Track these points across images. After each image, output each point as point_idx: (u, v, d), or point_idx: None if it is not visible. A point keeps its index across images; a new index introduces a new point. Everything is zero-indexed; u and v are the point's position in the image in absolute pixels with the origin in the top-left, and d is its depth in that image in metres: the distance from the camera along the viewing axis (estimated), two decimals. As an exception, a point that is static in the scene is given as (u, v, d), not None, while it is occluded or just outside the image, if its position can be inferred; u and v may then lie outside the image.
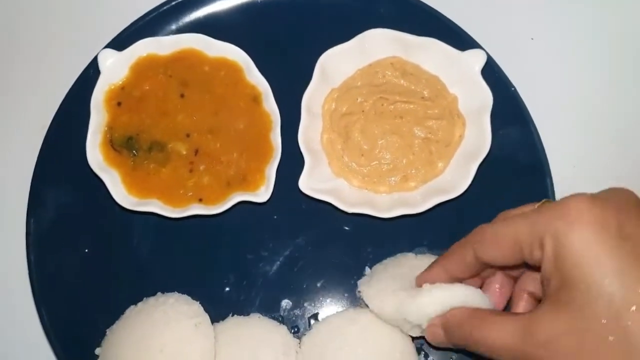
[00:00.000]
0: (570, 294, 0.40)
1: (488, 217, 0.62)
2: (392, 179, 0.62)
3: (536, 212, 0.44)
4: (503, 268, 0.52)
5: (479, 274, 0.52)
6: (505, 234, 0.46)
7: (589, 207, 0.41)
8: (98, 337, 0.60)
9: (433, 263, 0.53)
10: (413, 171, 0.61)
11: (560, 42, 0.72)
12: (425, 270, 0.54)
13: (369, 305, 0.55)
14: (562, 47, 0.72)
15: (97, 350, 0.59)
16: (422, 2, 0.67)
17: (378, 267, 0.60)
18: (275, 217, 0.64)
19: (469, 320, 0.48)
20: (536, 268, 0.45)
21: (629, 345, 0.38)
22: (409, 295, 0.51)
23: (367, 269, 0.62)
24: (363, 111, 0.62)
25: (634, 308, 0.38)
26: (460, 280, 0.52)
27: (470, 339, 0.47)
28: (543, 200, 0.49)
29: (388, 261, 0.60)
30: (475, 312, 0.48)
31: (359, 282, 0.59)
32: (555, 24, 0.73)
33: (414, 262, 0.58)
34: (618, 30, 0.72)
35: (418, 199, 0.60)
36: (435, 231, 0.63)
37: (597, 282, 0.39)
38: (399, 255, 0.61)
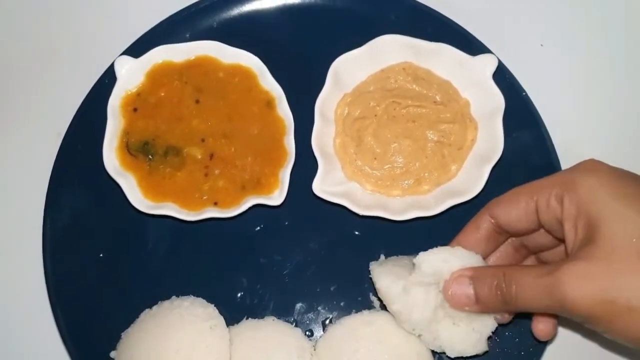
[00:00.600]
0: (595, 237, 0.42)
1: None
2: (405, 182, 0.62)
3: (552, 175, 0.47)
4: (516, 236, 0.53)
5: (490, 252, 0.53)
6: (523, 192, 0.48)
7: (601, 163, 0.45)
8: (113, 341, 0.60)
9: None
10: (426, 174, 0.62)
11: (569, 48, 0.73)
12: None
13: (376, 283, 0.56)
14: (571, 53, 0.73)
15: (113, 354, 0.59)
16: (433, 9, 0.68)
17: (393, 257, 0.61)
18: (288, 220, 0.64)
19: (505, 269, 0.47)
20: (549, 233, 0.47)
21: None
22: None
23: (382, 256, 0.62)
24: (375, 115, 0.63)
25: (636, 240, 0.42)
26: None
27: (506, 291, 0.46)
28: None
29: (404, 256, 0.61)
30: (509, 266, 0.49)
31: (371, 263, 0.59)
32: (564, 30, 0.74)
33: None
34: (625, 35, 0.73)
35: (431, 202, 0.60)
36: (448, 235, 0.63)
37: (617, 221, 0.42)
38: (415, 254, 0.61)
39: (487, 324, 0.54)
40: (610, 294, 0.42)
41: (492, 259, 0.56)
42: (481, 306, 0.49)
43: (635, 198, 0.43)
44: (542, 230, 0.51)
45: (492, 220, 0.50)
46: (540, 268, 0.45)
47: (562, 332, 0.62)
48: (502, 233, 0.52)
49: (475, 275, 0.50)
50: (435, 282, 0.52)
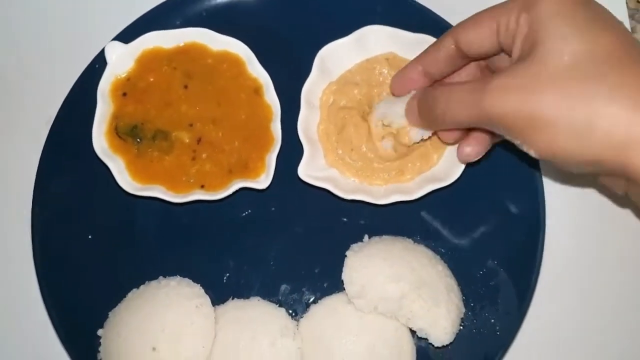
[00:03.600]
0: (532, 53, 0.44)
1: (483, 206, 0.65)
2: (387, 174, 0.64)
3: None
4: (477, 59, 0.55)
5: (452, 72, 0.56)
6: (485, 15, 0.49)
7: None
8: (101, 319, 0.61)
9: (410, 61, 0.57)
10: (409, 165, 0.64)
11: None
12: (402, 68, 0.58)
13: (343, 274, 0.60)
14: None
15: (100, 332, 0.61)
16: (416, 1, 0.69)
17: (375, 237, 0.63)
18: (274, 204, 0.66)
19: (441, 87, 0.52)
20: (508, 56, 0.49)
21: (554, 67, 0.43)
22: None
23: (366, 236, 0.64)
24: (359, 106, 0.65)
25: (567, 58, 0.43)
26: (434, 79, 0.56)
27: (438, 104, 0.50)
28: None
29: (386, 236, 0.63)
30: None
31: (351, 246, 0.62)
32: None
33: (409, 245, 0.61)
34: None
35: (413, 187, 0.62)
36: (430, 222, 0.65)
37: (557, 39, 0.43)
38: (399, 237, 0.63)
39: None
40: (530, 107, 0.43)
41: (458, 79, 0.58)
42: (421, 120, 0.55)
43: (584, 20, 0.44)
44: (503, 54, 0.52)
45: (453, 45, 0.52)
46: (473, 83, 0.48)
47: (537, 313, 0.64)
48: (463, 57, 0.53)
49: (419, 94, 0.55)
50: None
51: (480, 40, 0.50)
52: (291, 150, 0.64)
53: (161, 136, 0.64)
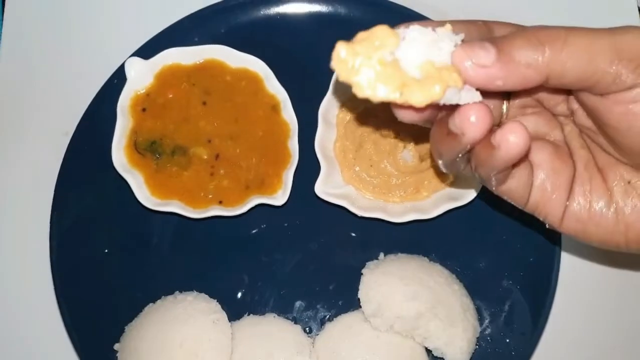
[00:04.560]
0: None
1: (499, 225, 0.65)
2: (403, 192, 0.64)
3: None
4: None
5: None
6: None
7: None
8: (117, 334, 0.62)
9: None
10: (425, 182, 0.64)
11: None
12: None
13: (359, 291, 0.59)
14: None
15: (116, 346, 0.61)
16: (430, 19, 0.70)
17: (391, 255, 0.63)
18: (290, 220, 0.66)
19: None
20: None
21: None
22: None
23: (381, 254, 0.64)
24: (377, 124, 0.65)
25: None
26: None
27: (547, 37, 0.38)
28: None
29: (402, 254, 0.63)
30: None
31: (367, 264, 0.62)
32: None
33: (425, 264, 0.61)
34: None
35: (429, 206, 0.63)
36: (446, 241, 0.65)
37: None
38: (415, 256, 0.63)
39: None
40: None
41: None
42: (504, 65, 0.39)
43: None
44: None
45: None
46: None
47: (553, 334, 0.64)
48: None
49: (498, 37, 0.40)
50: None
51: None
52: (308, 167, 0.64)
53: (180, 152, 0.64)
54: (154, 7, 0.75)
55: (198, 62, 0.67)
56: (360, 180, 0.65)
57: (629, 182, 0.44)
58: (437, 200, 0.63)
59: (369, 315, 0.59)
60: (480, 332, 0.61)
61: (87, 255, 0.65)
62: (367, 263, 0.62)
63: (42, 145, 0.71)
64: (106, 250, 0.66)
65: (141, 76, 0.66)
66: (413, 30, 0.39)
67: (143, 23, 0.72)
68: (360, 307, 0.60)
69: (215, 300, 0.62)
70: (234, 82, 0.66)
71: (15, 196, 0.70)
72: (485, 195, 0.61)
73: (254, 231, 0.67)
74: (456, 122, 0.40)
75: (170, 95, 0.66)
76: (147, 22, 0.71)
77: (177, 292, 0.63)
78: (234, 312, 0.63)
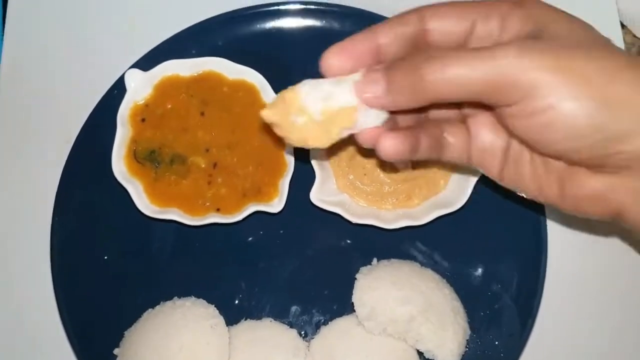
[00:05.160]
0: (538, 35, 0.42)
1: (488, 231, 0.67)
2: (395, 199, 0.66)
3: None
4: None
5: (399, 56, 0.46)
6: (465, 6, 0.45)
7: None
8: (117, 339, 0.63)
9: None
10: (416, 190, 0.66)
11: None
12: (345, 41, 0.47)
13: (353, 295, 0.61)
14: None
15: (116, 351, 0.62)
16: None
17: (384, 260, 0.65)
18: (286, 227, 0.68)
19: (426, 55, 0.42)
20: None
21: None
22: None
23: (375, 260, 0.66)
24: None
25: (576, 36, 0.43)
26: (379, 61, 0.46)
27: (427, 80, 0.41)
28: None
29: (395, 260, 0.65)
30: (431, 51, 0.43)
31: (361, 269, 0.64)
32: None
33: (416, 269, 0.63)
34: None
35: (420, 213, 0.65)
36: (437, 246, 0.67)
37: (561, 23, 0.43)
38: (407, 261, 0.65)
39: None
40: (560, 63, 0.40)
41: None
42: (393, 93, 0.44)
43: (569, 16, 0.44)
44: None
45: (419, 27, 0.45)
46: (473, 48, 0.43)
47: (540, 335, 0.66)
48: (419, 43, 0.46)
49: (389, 65, 0.44)
50: None
51: (450, 29, 0.45)
52: (303, 176, 0.66)
53: (178, 161, 0.66)
54: (152, 19, 0.77)
55: (196, 74, 0.69)
56: (354, 188, 0.67)
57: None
58: (428, 207, 0.65)
59: (363, 319, 0.60)
60: (470, 334, 0.63)
61: (87, 261, 0.67)
62: (360, 268, 0.64)
63: (44, 153, 0.72)
64: (106, 257, 0.67)
65: (141, 87, 0.68)
66: (305, 85, 0.47)
67: (142, 35, 0.73)
68: (354, 311, 0.62)
69: (213, 306, 0.63)
70: (231, 93, 0.68)
71: (15, 203, 0.71)
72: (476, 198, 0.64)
73: (250, 238, 0.68)
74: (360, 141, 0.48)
75: (169, 106, 0.68)
76: (146, 34, 0.73)
77: (176, 297, 0.64)
78: (232, 317, 0.64)
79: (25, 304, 0.68)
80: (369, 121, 0.46)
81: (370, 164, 0.66)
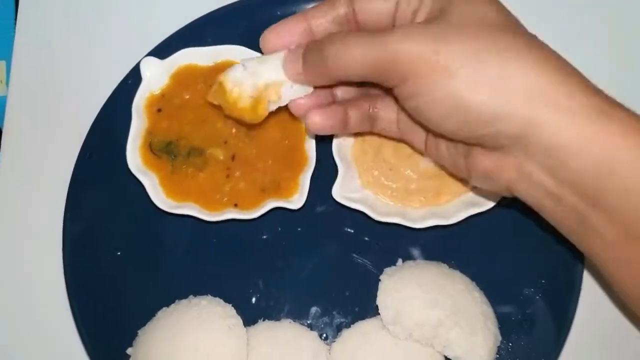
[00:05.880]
0: (441, 18, 0.44)
1: (520, 231, 0.64)
2: (423, 197, 0.63)
3: None
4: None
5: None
6: None
7: None
8: (130, 338, 0.60)
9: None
10: (446, 187, 0.63)
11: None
12: (281, 22, 0.53)
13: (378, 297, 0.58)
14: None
15: (129, 350, 0.60)
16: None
17: (410, 261, 0.63)
18: (306, 224, 0.65)
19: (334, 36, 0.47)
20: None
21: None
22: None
23: (400, 260, 0.63)
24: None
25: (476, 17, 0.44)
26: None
27: (330, 47, 0.46)
28: None
29: (420, 261, 0.62)
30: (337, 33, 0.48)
31: (385, 270, 0.61)
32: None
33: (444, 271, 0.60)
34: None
35: (450, 211, 0.61)
36: (466, 247, 0.64)
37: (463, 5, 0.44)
38: (434, 262, 0.62)
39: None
40: (436, 46, 0.41)
41: None
42: (306, 70, 0.49)
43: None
44: None
45: (348, 9, 0.49)
46: (371, 32, 0.45)
47: (576, 343, 0.63)
48: (350, 25, 0.50)
49: (307, 44, 0.49)
50: None
51: (377, 9, 0.48)
52: (325, 171, 0.63)
53: (195, 153, 0.63)
54: (169, 7, 0.75)
55: (214, 63, 0.66)
56: (378, 184, 0.63)
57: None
58: (458, 206, 0.61)
59: (388, 322, 0.57)
60: (501, 340, 0.60)
61: (100, 257, 0.64)
62: (385, 269, 0.61)
63: (56, 145, 0.70)
64: (119, 253, 0.65)
65: (157, 77, 0.65)
66: (236, 66, 0.53)
67: (158, 23, 0.71)
68: (378, 314, 0.59)
69: (230, 305, 0.60)
70: (250, 83, 0.65)
71: (27, 197, 0.69)
72: (507, 201, 0.60)
73: (269, 235, 0.65)
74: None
75: (187, 97, 0.65)
76: (162, 22, 0.70)
77: (192, 296, 0.62)
78: (249, 317, 0.61)
79: (36, 302, 0.66)
80: (294, 93, 0.52)
81: (395, 158, 0.63)
